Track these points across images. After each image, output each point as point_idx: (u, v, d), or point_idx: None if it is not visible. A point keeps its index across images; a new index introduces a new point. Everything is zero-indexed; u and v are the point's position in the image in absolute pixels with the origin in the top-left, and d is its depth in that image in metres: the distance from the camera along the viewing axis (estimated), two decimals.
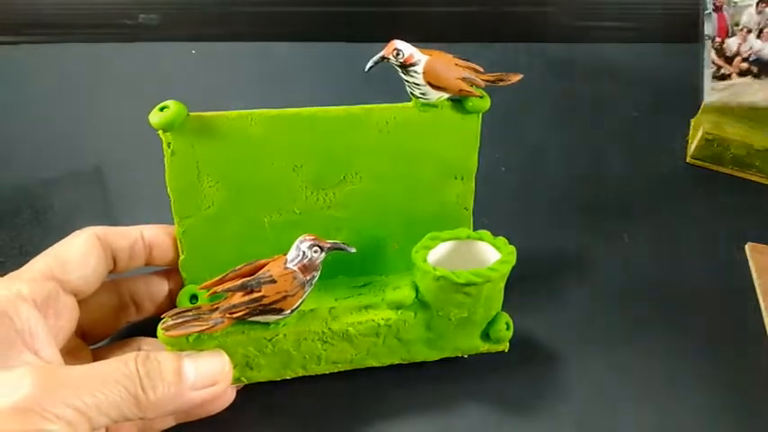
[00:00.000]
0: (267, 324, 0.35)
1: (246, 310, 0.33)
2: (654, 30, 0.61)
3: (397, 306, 0.36)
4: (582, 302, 0.44)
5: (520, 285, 0.38)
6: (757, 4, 0.51)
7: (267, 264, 0.34)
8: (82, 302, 0.35)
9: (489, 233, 0.38)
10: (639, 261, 0.47)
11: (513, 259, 0.36)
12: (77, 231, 0.35)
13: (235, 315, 0.33)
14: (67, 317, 0.34)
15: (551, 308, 0.44)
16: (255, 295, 0.33)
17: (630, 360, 0.42)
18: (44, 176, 0.48)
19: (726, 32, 0.53)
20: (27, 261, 0.35)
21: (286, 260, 0.34)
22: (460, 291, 0.35)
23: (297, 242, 0.34)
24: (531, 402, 0.40)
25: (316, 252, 0.34)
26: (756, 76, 0.53)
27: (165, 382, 0.30)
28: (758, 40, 0.53)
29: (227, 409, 0.36)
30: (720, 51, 0.53)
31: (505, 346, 0.39)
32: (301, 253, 0.34)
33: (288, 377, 0.37)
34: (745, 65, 0.52)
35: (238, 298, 0.33)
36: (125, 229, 0.37)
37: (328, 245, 0.34)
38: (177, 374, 0.31)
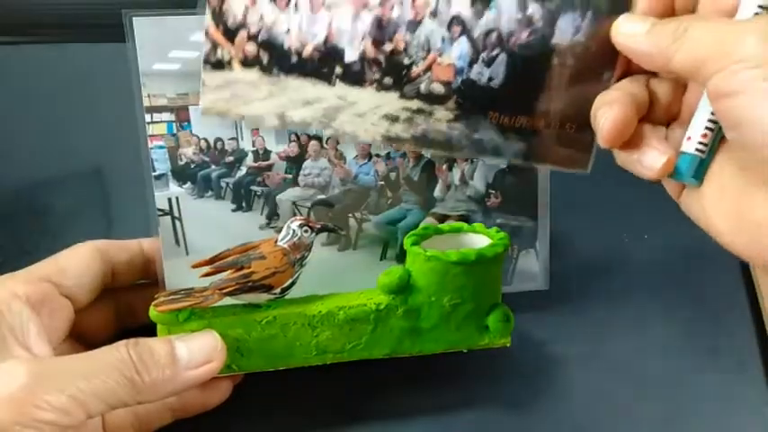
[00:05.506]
0: (258, 306, 0.35)
1: (236, 286, 0.34)
2: None
3: (390, 289, 0.36)
4: (582, 302, 0.44)
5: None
6: None
7: (259, 244, 0.35)
8: (79, 308, 0.36)
9: (483, 225, 0.38)
10: (640, 260, 0.47)
11: (504, 243, 0.36)
12: (79, 243, 0.36)
13: (225, 290, 0.34)
14: (62, 318, 0.34)
15: (552, 307, 0.44)
16: (245, 271, 0.34)
17: (631, 360, 0.42)
18: (44, 176, 0.48)
19: None
20: (26, 261, 0.35)
21: (277, 239, 0.35)
22: (451, 272, 0.35)
23: (288, 222, 0.35)
24: (531, 402, 0.40)
25: (306, 232, 0.35)
26: (266, 69, 0.32)
27: (158, 365, 0.31)
28: (274, 5, 0.32)
29: (224, 406, 0.36)
30: (219, 16, 0.31)
31: (507, 341, 0.38)
32: (291, 231, 0.35)
33: (279, 368, 0.36)
34: (251, 47, 0.32)
35: (229, 274, 0.34)
36: (125, 242, 0.38)
37: (318, 225, 0.36)
38: (170, 356, 0.31)
